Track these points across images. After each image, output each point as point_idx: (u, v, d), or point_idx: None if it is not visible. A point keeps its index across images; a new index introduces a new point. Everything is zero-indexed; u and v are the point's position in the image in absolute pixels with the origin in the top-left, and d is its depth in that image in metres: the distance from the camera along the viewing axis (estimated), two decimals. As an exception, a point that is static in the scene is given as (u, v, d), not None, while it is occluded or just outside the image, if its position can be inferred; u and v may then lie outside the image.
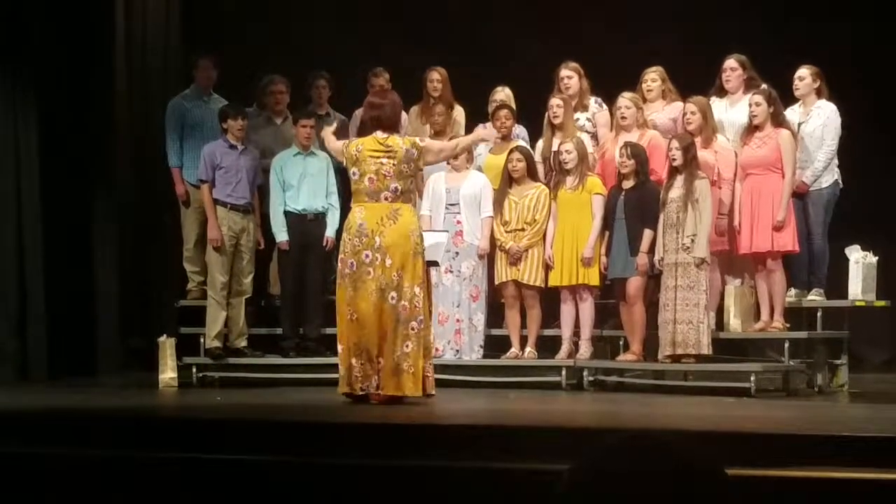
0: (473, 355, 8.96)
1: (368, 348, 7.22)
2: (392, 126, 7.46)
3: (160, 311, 10.03)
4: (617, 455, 1.61)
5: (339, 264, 7.45)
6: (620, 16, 10.11)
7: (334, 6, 10.70)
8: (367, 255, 7.25)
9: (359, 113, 9.46)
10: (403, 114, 8.57)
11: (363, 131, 7.70)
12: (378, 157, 7.30)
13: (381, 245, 7.22)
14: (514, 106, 9.37)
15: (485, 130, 8.35)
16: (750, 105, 8.42)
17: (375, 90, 8.67)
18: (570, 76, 9.21)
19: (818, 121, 8.60)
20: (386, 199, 7.28)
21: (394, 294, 7.20)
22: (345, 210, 8.91)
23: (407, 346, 7.21)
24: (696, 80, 8.99)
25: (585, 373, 8.71)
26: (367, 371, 7.23)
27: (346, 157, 7.41)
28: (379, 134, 7.38)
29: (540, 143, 9.22)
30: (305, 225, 9.13)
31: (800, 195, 8.59)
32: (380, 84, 9.56)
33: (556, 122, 9.05)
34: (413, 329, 7.22)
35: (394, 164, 7.27)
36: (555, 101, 9.05)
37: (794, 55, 8.90)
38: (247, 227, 9.16)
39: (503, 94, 9.51)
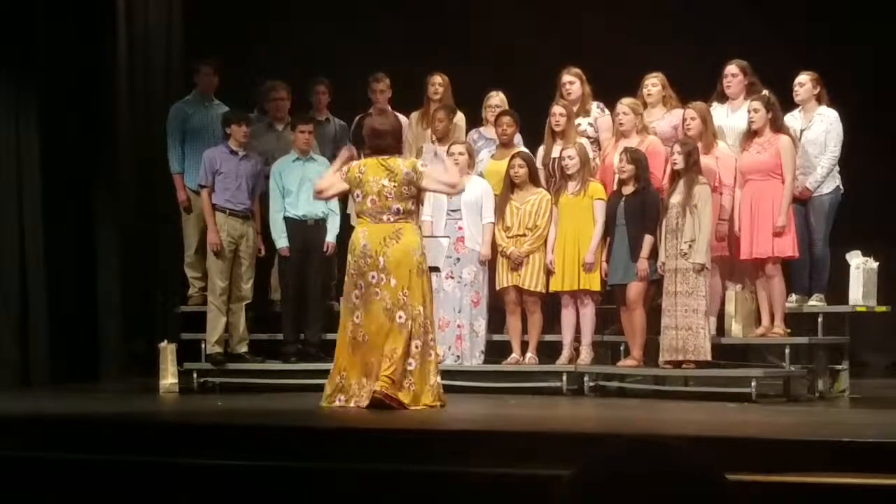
0: (474, 361, 8.96)
1: (374, 368, 7.26)
2: (394, 151, 7.48)
3: (161, 317, 10.04)
4: (617, 460, 1.61)
5: (346, 283, 7.46)
6: (621, 21, 10.11)
7: (335, 11, 10.71)
8: (373, 277, 7.29)
9: (358, 119, 9.48)
10: (403, 123, 8.60)
11: (362, 151, 7.74)
12: (380, 179, 7.33)
13: (384, 265, 7.27)
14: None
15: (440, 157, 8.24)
16: (748, 111, 8.43)
17: (376, 109, 8.66)
18: (571, 81, 9.21)
19: (821, 127, 8.60)
20: (388, 220, 7.32)
21: (401, 313, 7.24)
22: (344, 217, 8.95)
23: (410, 364, 7.24)
24: (697, 86, 8.99)
25: (586, 378, 8.71)
26: (366, 387, 7.26)
27: (350, 181, 7.44)
28: (381, 157, 7.42)
29: (541, 150, 9.21)
30: (306, 230, 9.12)
31: (802, 201, 8.60)
32: (380, 89, 9.57)
33: (558, 129, 9.04)
34: (417, 347, 7.27)
35: (395, 186, 7.31)
36: (557, 109, 9.04)
37: (796, 60, 8.90)
38: (246, 233, 9.15)
39: (497, 98, 9.51)
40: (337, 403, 7.33)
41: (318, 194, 7.85)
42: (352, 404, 7.27)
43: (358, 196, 7.43)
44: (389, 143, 7.47)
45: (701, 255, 8.15)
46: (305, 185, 9.07)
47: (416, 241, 7.39)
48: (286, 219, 9.10)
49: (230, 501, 5.10)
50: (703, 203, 8.17)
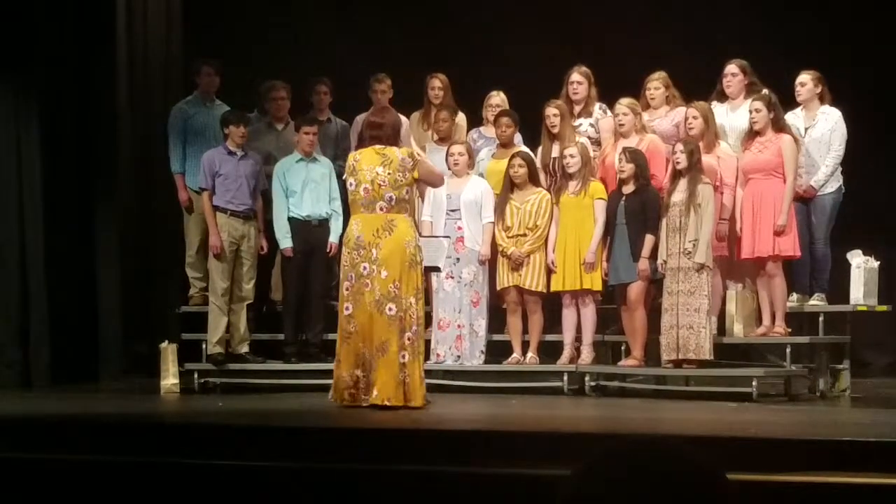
0: (475, 361, 8.96)
1: (367, 360, 7.27)
2: (391, 144, 7.52)
3: (162, 317, 10.03)
4: (618, 460, 1.61)
5: (342, 277, 7.50)
6: (621, 21, 10.10)
7: (335, 11, 10.71)
8: (364, 268, 7.31)
9: (360, 119, 9.48)
10: (405, 123, 8.59)
11: (361, 146, 7.76)
12: (374, 167, 7.35)
13: (377, 257, 7.29)
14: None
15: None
16: (750, 111, 8.43)
17: (376, 108, 8.68)
18: (580, 82, 9.15)
19: (826, 126, 8.61)
20: (381, 209, 7.34)
21: (391, 305, 7.26)
22: (347, 218, 8.95)
23: (403, 356, 7.25)
24: (697, 85, 8.99)
25: (587, 378, 8.71)
26: (369, 381, 7.27)
27: (346, 168, 7.49)
28: (377, 146, 7.45)
29: (540, 151, 9.19)
30: (310, 231, 9.13)
31: (805, 200, 8.60)
32: (381, 90, 9.56)
33: (554, 130, 9.02)
34: (409, 339, 7.29)
35: (389, 174, 7.33)
36: (551, 111, 9.01)
37: (796, 59, 8.90)
38: (247, 234, 9.16)
39: (498, 98, 9.50)
40: (337, 398, 7.36)
41: None
42: (349, 399, 7.30)
43: (352, 185, 7.46)
44: (388, 135, 7.51)
45: (702, 255, 8.15)
46: (309, 186, 9.09)
47: (409, 233, 7.41)
48: (290, 219, 9.11)
49: (231, 502, 5.10)
50: (706, 202, 8.17)
